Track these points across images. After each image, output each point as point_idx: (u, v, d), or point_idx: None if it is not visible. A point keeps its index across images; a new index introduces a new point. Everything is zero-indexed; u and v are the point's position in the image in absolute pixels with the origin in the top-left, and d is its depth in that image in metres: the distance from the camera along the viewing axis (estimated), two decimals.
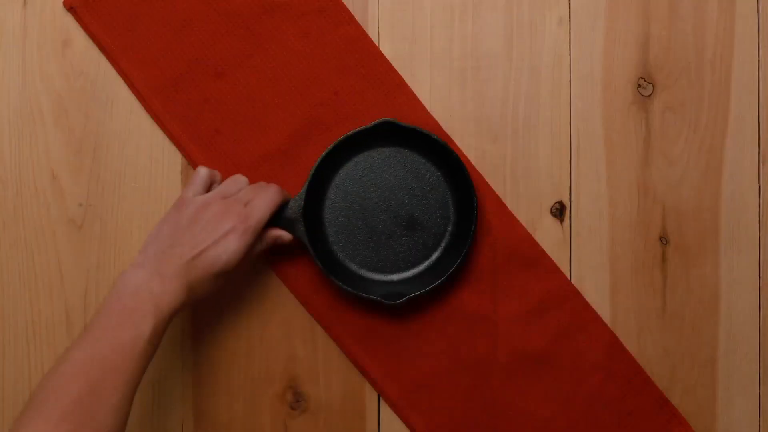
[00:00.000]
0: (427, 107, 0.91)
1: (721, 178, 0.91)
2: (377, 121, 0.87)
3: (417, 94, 0.91)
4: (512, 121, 0.91)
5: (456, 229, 0.89)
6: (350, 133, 0.87)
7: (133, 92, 0.91)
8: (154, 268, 0.75)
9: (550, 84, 0.91)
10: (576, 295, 0.90)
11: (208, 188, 0.84)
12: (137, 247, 0.90)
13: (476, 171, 0.90)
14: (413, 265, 0.90)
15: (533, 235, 0.91)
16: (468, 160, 0.90)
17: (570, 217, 0.91)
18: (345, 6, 0.91)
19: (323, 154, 0.87)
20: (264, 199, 0.82)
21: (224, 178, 0.90)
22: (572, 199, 0.91)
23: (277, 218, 0.86)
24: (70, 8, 0.91)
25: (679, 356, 0.91)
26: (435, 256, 0.89)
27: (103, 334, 0.71)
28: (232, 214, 0.80)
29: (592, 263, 0.91)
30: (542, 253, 0.90)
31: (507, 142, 0.91)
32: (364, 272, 0.89)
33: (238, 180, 0.84)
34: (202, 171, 0.84)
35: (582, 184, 0.91)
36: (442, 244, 0.90)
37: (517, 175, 0.91)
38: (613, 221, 0.91)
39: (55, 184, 0.90)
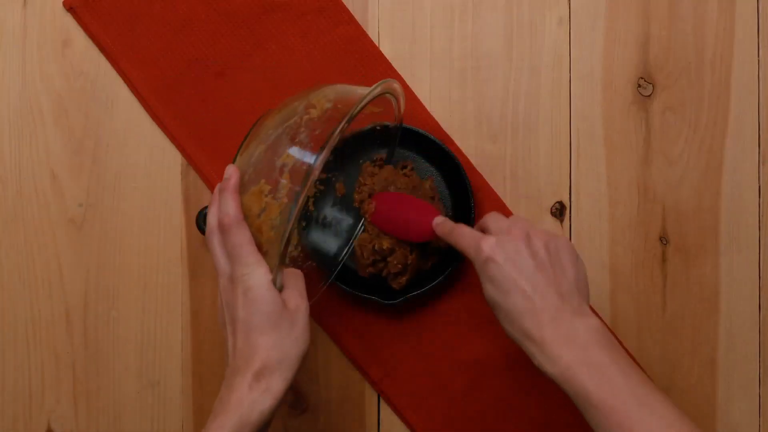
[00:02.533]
0: (427, 107, 0.91)
1: (721, 178, 0.91)
2: (373, 123, 0.87)
3: (417, 94, 0.91)
4: (512, 121, 0.91)
5: None
6: (347, 133, 0.87)
7: (133, 92, 0.91)
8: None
9: (550, 84, 0.91)
10: None
11: None
12: (137, 247, 0.90)
13: (476, 171, 0.90)
14: None
15: None
16: (468, 160, 0.90)
17: (570, 217, 0.91)
18: (345, 6, 0.91)
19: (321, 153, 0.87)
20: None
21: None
22: (572, 199, 0.91)
23: None
24: (70, 8, 0.91)
25: (679, 356, 0.91)
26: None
27: None
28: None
29: (592, 263, 0.91)
30: None
31: (507, 142, 0.91)
32: None
33: None
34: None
35: (582, 184, 0.91)
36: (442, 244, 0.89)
37: (517, 175, 0.91)
38: (613, 221, 0.91)
39: (55, 184, 0.91)
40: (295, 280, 0.72)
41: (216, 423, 0.66)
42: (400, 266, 0.85)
